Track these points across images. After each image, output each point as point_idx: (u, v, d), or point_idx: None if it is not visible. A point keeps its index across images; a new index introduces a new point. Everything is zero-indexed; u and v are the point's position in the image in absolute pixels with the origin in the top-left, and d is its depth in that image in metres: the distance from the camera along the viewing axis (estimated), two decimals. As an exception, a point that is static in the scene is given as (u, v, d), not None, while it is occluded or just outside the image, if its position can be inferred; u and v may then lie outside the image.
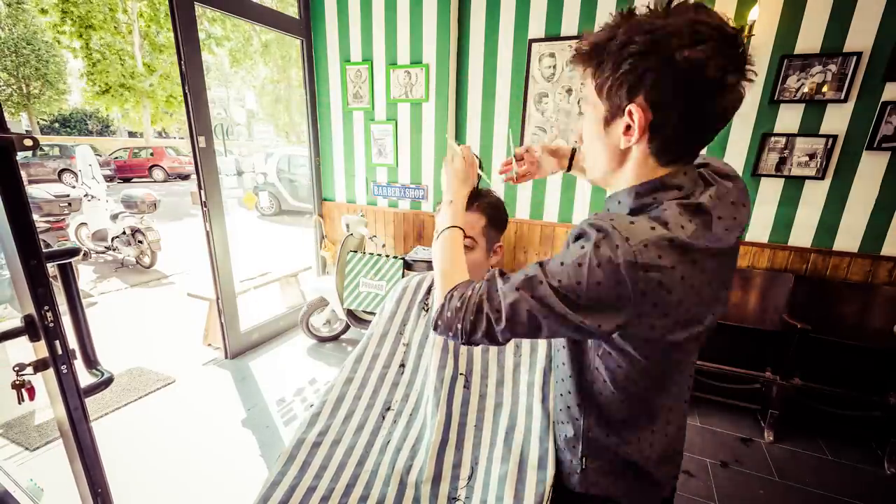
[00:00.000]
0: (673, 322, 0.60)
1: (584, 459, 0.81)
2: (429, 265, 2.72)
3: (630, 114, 0.59)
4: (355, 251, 2.86)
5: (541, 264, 0.63)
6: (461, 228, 0.84)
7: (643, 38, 0.55)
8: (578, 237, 0.62)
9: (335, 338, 3.24)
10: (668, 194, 0.63)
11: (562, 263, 0.60)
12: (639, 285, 0.56)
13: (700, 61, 0.53)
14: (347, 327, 3.24)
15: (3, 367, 2.05)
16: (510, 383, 0.99)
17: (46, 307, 0.83)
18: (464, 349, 1.05)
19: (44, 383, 0.95)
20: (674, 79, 0.55)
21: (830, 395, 2.13)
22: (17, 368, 0.86)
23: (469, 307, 0.67)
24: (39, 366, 0.88)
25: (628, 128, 0.61)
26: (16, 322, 0.90)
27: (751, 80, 0.59)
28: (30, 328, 0.85)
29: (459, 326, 0.67)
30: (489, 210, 1.05)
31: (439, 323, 0.70)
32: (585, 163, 0.74)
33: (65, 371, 0.89)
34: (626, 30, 0.57)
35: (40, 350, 0.88)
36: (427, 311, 1.16)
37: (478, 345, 0.70)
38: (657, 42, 0.54)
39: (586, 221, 0.62)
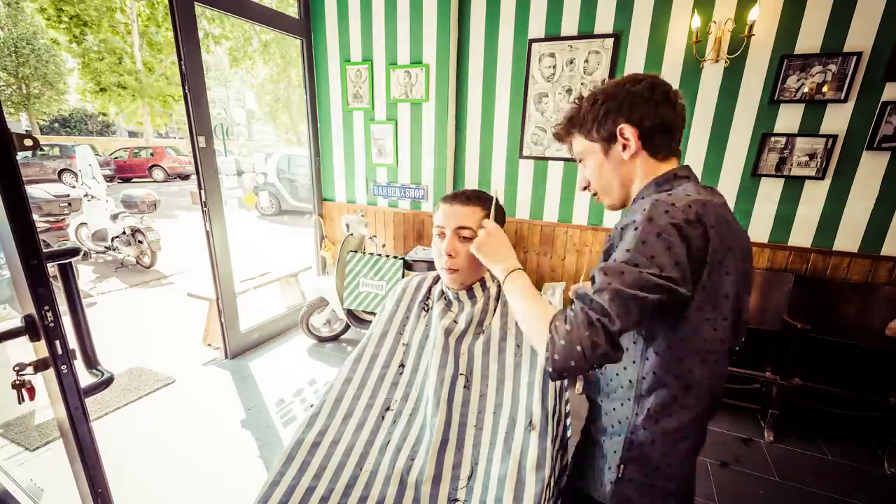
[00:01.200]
0: (733, 280, 0.74)
1: (621, 467, 0.83)
2: (429, 265, 2.72)
3: (622, 133, 0.80)
4: (355, 251, 2.86)
5: (607, 265, 0.70)
6: (523, 269, 0.88)
7: (602, 91, 0.83)
8: (625, 228, 0.73)
9: (335, 338, 3.24)
10: (681, 181, 0.81)
11: (627, 251, 0.69)
12: (698, 238, 0.69)
13: (646, 89, 0.79)
14: (347, 327, 3.24)
15: (3, 367, 2.05)
16: (510, 383, 0.99)
17: (47, 307, 0.83)
18: (464, 348, 1.04)
19: (44, 383, 0.95)
20: (639, 101, 0.79)
21: (830, 395, 2.13)
22: (17, 368, 0.86)
23: (578, 326, 0.67)
24: (40, 366, 0.88)
25: (624, 146, 0.81)
26: (16, 322, 0.90)
27: (681, 98, 0.82)
28: (30, 328, 0.85)
29: (579, 349, 0.66)
30: (485, 204, 1.05)
31: (556, 358, 0.67)
32: (604, 200, 0.90)
33: (65, 371, 0.89)
34: (586, 97, 0.85)
35: (40, 350, 0.88)
36: (427, 311, 1.16)
37: (601, 365, 0.71)
38: (613, 90, 0.81)
39: (625, 217, 0.76)
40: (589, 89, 0.85)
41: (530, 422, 0.90)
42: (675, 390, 0.77)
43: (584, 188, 0.92)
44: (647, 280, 0.66)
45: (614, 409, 0.85)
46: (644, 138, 0.80)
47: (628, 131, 0.79)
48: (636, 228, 0.69)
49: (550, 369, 0.68)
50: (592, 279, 0.71)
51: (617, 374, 0.84)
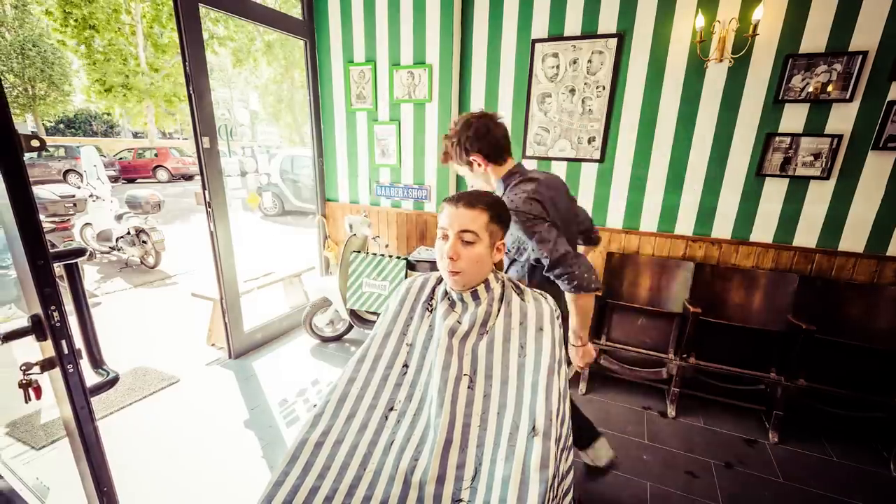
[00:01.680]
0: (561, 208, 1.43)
1: None
2: (432, 266, 2.72)
3: (476, 160, 1.39)
4: (358, 251, 2.87)
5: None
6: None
7: (453, 136, 1.41)
8: (511, 199, 1.34)
9: (338, 338, 3.25)
10: (515, 177, 1.41)
11: (524, 216, 1.30)
12: (544, 204, 1.34)
13: (476, 129, 1.36)
14: (350, 327, 3.24)
15: (9, 367, 2.06)
16: (514, 384, 0.99)
17: (53, 307, 0.83)
18: (468, 349, 1.04)
19: (50, 383, 0.96)
20: (473, 136, 1.36)
21: (835, 396, 2.12)
22: (24, 368, 0.87)
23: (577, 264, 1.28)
24: (46, 365, 0.89)
25: (479, 164, 1.40)
26: (23, 322, 0.90)
27: (500, 118, 1.40)
28: (36, 328, 0.86)
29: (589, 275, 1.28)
30: (490, 207, 1.05)
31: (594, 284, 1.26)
32: (473, 187, 1.47)
33: (71, 370, 0.89)
34: (447, 141, 1.43)
35: (47, 350, 0.89)
36: (431, 311, 1.16)
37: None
38: (458, 135, 1.39)
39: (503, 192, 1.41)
40: (450, 128, 1.43)
41: (533, 427, 0.90)
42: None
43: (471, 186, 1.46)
44: (545, 226, 1.30)
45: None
46: (487, 157, 1.38)
47: (476, 158, 1.38)
48: (517, 205, 1.29)
49: (592, 288, 1.27)
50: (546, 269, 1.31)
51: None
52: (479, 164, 1.37)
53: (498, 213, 1.07)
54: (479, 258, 1.04)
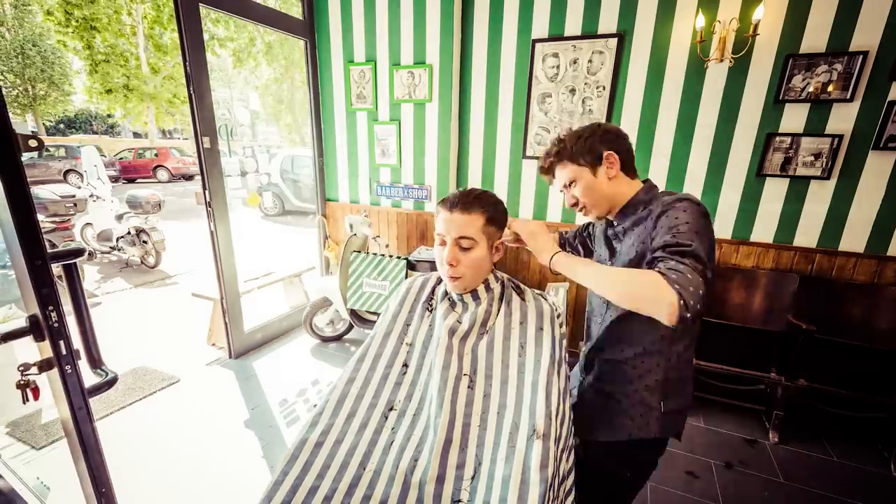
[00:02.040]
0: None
1: (661, 403, 1.08)
2: (432, 265, 2.72)
3: (608, 157, 1.07)
4: (358, 251, 2.86)
5: (680, 233, 0.92)
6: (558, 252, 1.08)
7: (585, 130, 1.09)
8: (665, 213, 0.98)
9: (338, 338, 3.25)
10: (654, 190, 1.10)
11: (687, 223, 0.93)
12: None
13: (610, 130, 1.09)
14: (351, 327, 3.24)
15: (9, 367, 2.06)
16: (515, 383, 0.98)
17: (51, 307, 0.83)
18: (468, 349, 1.04)
19: (48, 383, 0.96)
20: (609, 137, 1.07)
21: (836, 396, 2.12)
22: (21, 368, 0.87)
23: (692, 276, 0.84)
24: (44, 366, 0.89)
25: (609, 167, 1.07)
26: (21, 322, 0.90)
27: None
28: (34, 328, 0.86)
29: (701, 292, 0.83)
30: (486, 209, 1.04)
31: (692, 303, 0.82)
32: (591, 214, 1.15)
33: (69, 371, 0.89)
34: (570, 135, 1.11)
35: (45, 350, 0.89)
36: (431, 311, 1.15)
37: (700, 305, 0.86)
38: (588, 132, 1.09)
39: (652, 210, 1.02)
40: (570, 125, 1.14)
41: (533, 427, 0.89)
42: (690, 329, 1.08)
43: (573, 205, 1.14)
44: (709, 243, 0.93)
45: (643, 361, 1.08)
46: (622, 160, 1.08)
47: (612, 157, 1.07)
48: (685, 211, 0.94)
49: (690, 313, 0.81)
50: (663, 249, 0.90)
51: (648, 331, 1.07)
52: (611, 166, 1.06)
53: (493, 214, 1.06)
54: (478, 262, 1.04)
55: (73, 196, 5.75)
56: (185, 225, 8.00)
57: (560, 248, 1.10)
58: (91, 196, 5.15)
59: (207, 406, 2.45)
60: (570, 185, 1.12)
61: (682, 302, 0.81)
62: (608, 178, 1.07)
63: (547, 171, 1.15)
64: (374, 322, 3.06)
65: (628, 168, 1.09)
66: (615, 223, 1.14)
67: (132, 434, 2.22)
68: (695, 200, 0.96)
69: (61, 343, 0.86)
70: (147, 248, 5.08)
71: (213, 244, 2.70)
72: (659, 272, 0.86)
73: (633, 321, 1.07)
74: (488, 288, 1.10)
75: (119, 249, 5.24)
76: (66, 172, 12.40)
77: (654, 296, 0.85)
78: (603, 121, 1.15)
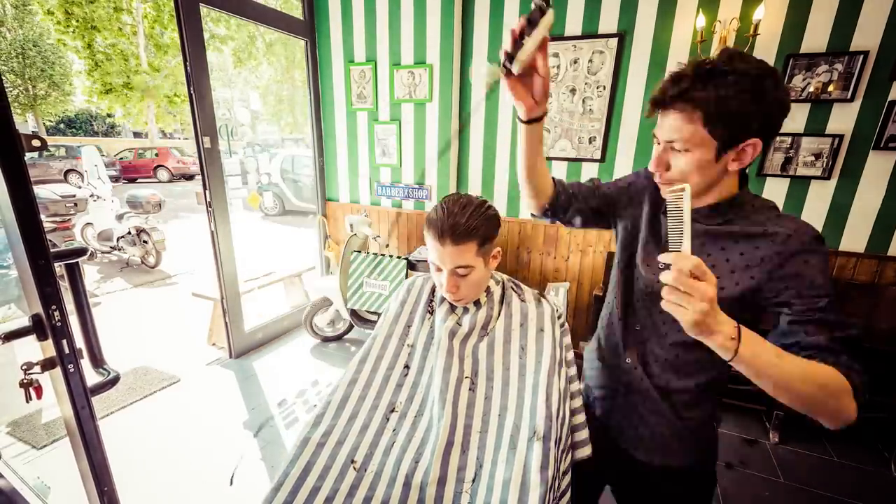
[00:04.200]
0: None
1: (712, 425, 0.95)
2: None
3: (750, 146, 0.72)
4: (359, 251, 2.87)
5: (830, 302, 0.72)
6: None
7: (754, 82, 0.68)
8: (805, 253, 0.74)
9: (339, 337, 3.25)
10: (760, 200, 0.84)
11: (828, 280, 0.74)
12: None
13: (787, 103, 0.71)
14: (351, 327, 3.25)
15: (10, 367, 2.06)
16: (515, 384, 0.99)
17: (54, 306, 0.83)
18: (469, 351, 1.04)
19: (51, 382, 0.96)
20: (777, 118, 0.71)
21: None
22: (24, 367, 0.87)
23: (859, 368, 0.67)
24: (47, 365, 0.89)
25: (737, 156, 0.73)
26: (24, 321, 0.90)
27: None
28: (37, 327, 0.86)
29: (866, 378, 0.67)
30: (478, 234, 0.97)
31: (865, 396, 0.66)
32: (668, 188, 0.70)
33: (72, 370, 0.89)
34: (731, 79, 0.68)
35: (48, 349, 0.89)
36: (432, 313, 1.15)
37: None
38: (764, 90, 0.68)
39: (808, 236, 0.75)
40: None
41: (534, 429, 0.90)
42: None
43: (660, 168, 0.79)
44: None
45: (697, 383, 0.90)
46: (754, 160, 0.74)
47: (756, 147, 0.72)
48: (824, 260, 0.74)
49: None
50: (822, 311, 0.71)
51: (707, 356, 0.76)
52: (742, 159, 0.74)
53: (486, 233, 0.99)
54: (477, 282, 1.03)
55: (74, 196, 5.76)
56: (184, 225, 8.00)
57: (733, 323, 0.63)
58: (91, 196, 5.16)
59: (207, 406, 2.45)
60: (672, 145, 0.76)
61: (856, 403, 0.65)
62: (729, 168, 0.75)
63: (658, 104, 0.75)
64: (375, 322, 3.07)
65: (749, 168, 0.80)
66: (699, 218, 0.82)
67: (132, 434, 2.22)
68: (821, 237, 0.75)
69: (64, 342, 0.86)
70: (147, 247, 5.08)
71: (214, 244, 2.70)
72: (847, 378, 0.65)
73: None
74: (488, 292, 1.10)
75: (119, 249, 5.24)
76: (67, 172, 12.40)
77: (838, 408, 0.65)
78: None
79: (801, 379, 0.63)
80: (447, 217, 0.95)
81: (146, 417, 2.35)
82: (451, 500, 0.85)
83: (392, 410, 1.02)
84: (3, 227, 0.83)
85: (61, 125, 21.12)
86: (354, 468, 0.90)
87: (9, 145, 0.72)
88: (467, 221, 0.95)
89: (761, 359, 0.63)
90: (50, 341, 0.86)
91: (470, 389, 0.99)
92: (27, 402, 0.86)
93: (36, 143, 0.79)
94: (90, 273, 5.14)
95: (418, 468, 0.89)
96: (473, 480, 0.87)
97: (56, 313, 0.83)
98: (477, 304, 1.09)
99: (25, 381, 0.86)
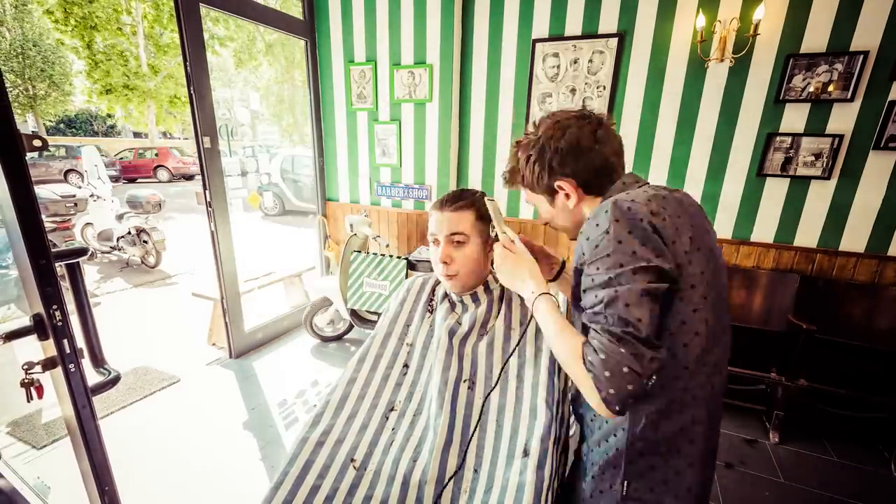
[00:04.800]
0: (703, 257, 0.72)
1: (624, 484, 0.79)
2: (431, 265, 2.72)
3: (562, 188, 0.84)
4: (359, 251, 2.87)
5: (597, 276, 0.70)
6: (551, 294, 0.83)
7: (532, 148, 0.84)
8: (594, 238, 0.72)
9: (339, 337, 3.25)
10: (633, 186, 0.82)
11: (608, 256, 0.69)
12: (662, 231, 0.69)
13: (573, 142, 0.80)
14: (351, 327, 3.25)
15: (9, 367, 2.06)
16: (514, 384, 0.99)
17: (55, 306, 0.83)
18: (468, 350, 1.05)
19: (52, 382, 0.96)
20: (567, 156, 0.81)
21: (836, 396, 2.12)
22: (26, 367, 0.87)
23: (610, 349, 0.64)
24: (48, 364, 0.89)
25: (567, 195, 0.84)
26: (24, 321, 0.90)
27: (613, 123, 0.84)
28: (38, 327, 0.86)
29: (626, 370, 0.62)
30: (476, 205, 1.05)
31: (612, 392, 0.63)
32: (562, 232, 0.95)
33: (73, 369, 0.89)
34: (520, 151, 0.87)
35: (48, 349, 0.89)
36: (432, 312, 1.16)
37: (656, 374, 0.64)
38: (542, 146, 0.83)
39: (589, 225, 0.75)
40: (526, 129, 0.88)
41: (533, 432, 0.90)
42: (672, 391, 0.74)
43: (545, 224, 0.96)
44: (645, 273, 0.66)
45: (607, 421, 0.81)
46: (582, 186, 0.83)
47: (565, 185, 0.83)
48: (607, 232, 0.69)
49: (614, 408, 0.64)
50: (582, 296, 0.72)
51: None
52: (568, 195, 0.84)
53: (482, 210, 1.06)
54: (472, 258, 1.05)
55: (74, 196, 5.76)
56: (184, 225, 8.00)
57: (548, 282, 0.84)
58: (91, 196, 5.16)
59: (207, 406, 2.45)
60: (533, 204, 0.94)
61: (602, 395, 0.64)
62: (569, 206, 0.86)
63: (507, 183, 0.96)
64: (375, 322, 3.07)
65: (597, 185, 0.83)
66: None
67: (132, 434, 2.22)
68: (623, 210, 0.70)
69: (65, 342, 0.86)
70: (147, 247, 5.09)
71: (214, 244, 2.70)
72: (582, 353, 0.67)
73: None
74: (487, 289, 1.10)
75: (119, 249, 5.24)
76: (67, 172, 12.40)
77: (576, 375, 0.69)
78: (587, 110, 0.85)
79: (557, 337, 0.74)
80: (451, 192, 1.08)
81: (146, 417, 2.35)
82: (449, 499, 0.85)
83: (391, 409, 1.02)
84: (2, 226, 0.83)
85: (61, 125, 21.11)
86: (354, 467, 0.90)
87: (10, 145, 0.72)
88: (468, 193, 1.07)
89: (542, 314, 0.79)
90: (51, 341, 0.86)
91: (469, 389, 0.99)
92: (28, 401, 0.87)
93: (37, 142, 0.79)
94: (90, 273, 5.13)
95: (416, 467, 0.89)
96: (473, 479, 0.87)
97: (57, 313, 0.84)
98: (476, 300, 1.10)
99: (27, 380, 0.86)
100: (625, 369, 0.62)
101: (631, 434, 0.77)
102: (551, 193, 0.86)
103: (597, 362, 0.64)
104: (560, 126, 0.81)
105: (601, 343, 0.65)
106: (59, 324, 0.85)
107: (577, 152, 0.80)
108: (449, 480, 0.87)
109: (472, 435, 0.93)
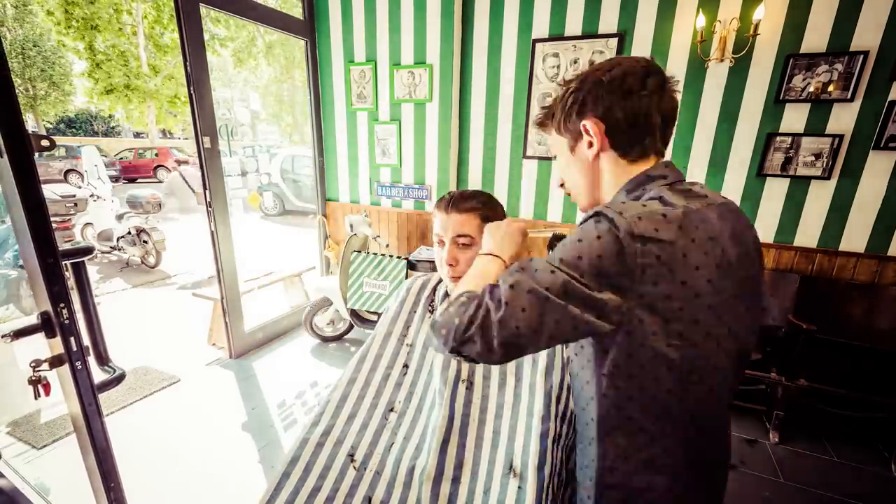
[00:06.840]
0: (675, 316, 0.59)
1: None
2: (432, 266, 2.72)
3: (587, 130, 0.71)
4: (359, 251, 2.87)
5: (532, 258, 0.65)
6: (503, 259, 0.80)
7: (575, 80, 0.73)
8: (580, 224, 0.65)
9: (339, 338, 3.25)
10: (656, 183, 0.68)
11: (562, 246, 0.63)
12: (637, 258, 0.57)
13: (618, 77, 0.68)
14: (351, 327, 3.25)
15: (10, 367, 2.06)
16: (513, 384, 0.99)
17: (62, 304, 0.84)
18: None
19: (58, 379, 0.96)
20: (607, 91, 0.68)
21: (836, 396, 2.13)
22: (33, 364, 0.87)
23: (471, 303, 0.60)
24: (55, 362, 0.90)
25: (590, 143, 0.71)
26: (23, 321, 0.91)
27: (675, 84, 0.71)
28: (46, 325, 0.87)
29: (456, 322, 0.59)
30: (482, 207, 1.05)
31: (437, 319, 0.63)
32: (576, 202, 0.82)
33: (79, 367, 0.90)
34: (564, 83, 0.75)
35: (55, 347, 0.89)
36: (432, 312, 1.16)
37: (465, 353, 0.59)
38: (585, 78, 0.71)
39: (585, 215, 0.67)
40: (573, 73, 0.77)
41: (531, 427, 0.90)
42: (642, 421, 0.66)
43: (560, 185, 0.84)
44: (556, 288, 0.57)
45: (583, 447, 0.75)
46: (610, 134, 0.69)
47: (592, 126, 0.69)
48: (582, 227, 0.62)
49: (431, 326, 0.64)
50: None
51: (583, 409, 0.74)
52: (591, 142, 0.71)
53: (490, 213, 1.05)
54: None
55: (74, 196, 5.76)
56: (184, 225, 7.99)
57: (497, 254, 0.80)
58: (91, 196, 5.17)
59: (207, 406, 2.45)
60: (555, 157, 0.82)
61: (455, 297, 0.64)
62: (588, 157, 0.73)
63: (540, 125, 0.83)
64: (375, 322, 3.07)
65: (625, 138, 0.69)
66: None
67: (132, 433, 2.22)
68: (608, 216, 0.60)
69: (72, 339, 0.87)
70: (147, 247, 5.09)
71: (214, 244, 2.71)
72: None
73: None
74: None
75: (119, 249, 5.24)
76: (67, 172, 12.40)
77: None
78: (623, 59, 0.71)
79: (475, 268, 0.77)
80: (456, 193, 1.05)
81: (146, 417, 2.35)
82: (447, 498, 0.85)
83: (391, 409, 1.03)
84: (9, 225, 0.84)
85: (61, 125, 21.10)
86: (354, 467, 0.91)
87: (19, 146, 0.72)
88: (474, 195, 1.05)
89: (476, 262, 0.80)
90: (58, 339, 0.86)
91: (467, 388, 1.00)
92: (35, 398, 0.87)
93: (45, 142, 0.79)
94: (90, 273, 5.13)
95: (416, 467, 0.89)
96: (471, 479, 0.88)
97: (64, 311, 0.84)
98: None
99: (34, 378, 0.87)
100: (455, 320, 0.59)
101: (601, 468, 0.72)
102: (575, 138, 0.74)
103: (465, 294, 0.63)
104: (613, 62, 0.71)
105: (482, 292, 0.61)
106: (67, 322, 0.85)
107: (619, 90, 0.67)
108: (447, 479, 0.87)
109: (471, 434, 0.94)
